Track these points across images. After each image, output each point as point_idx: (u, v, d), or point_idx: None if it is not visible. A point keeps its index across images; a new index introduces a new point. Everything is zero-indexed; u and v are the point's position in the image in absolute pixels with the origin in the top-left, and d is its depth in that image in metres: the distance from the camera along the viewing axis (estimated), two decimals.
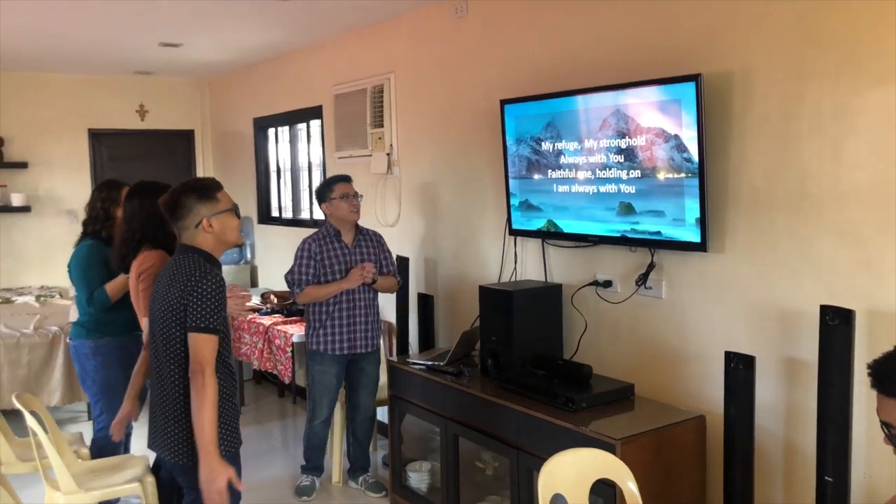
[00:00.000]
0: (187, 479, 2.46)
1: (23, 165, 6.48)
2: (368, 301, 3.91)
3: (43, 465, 3.02)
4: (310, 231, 5.61)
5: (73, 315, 4.80)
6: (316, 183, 5.80)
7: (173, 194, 2.50)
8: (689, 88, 2.71)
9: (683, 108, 2.75)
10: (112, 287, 3.52)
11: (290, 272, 3.84)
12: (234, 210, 2.57)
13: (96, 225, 3.62)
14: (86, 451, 3.44)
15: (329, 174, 5.38)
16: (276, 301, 5.27)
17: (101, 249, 3.58)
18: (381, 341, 4.15)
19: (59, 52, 5.63)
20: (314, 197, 3.98)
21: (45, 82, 6.61)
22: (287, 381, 4.78)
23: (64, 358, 4.57)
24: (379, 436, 4.65)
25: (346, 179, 3.94)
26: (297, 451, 4.58)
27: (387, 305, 4.71)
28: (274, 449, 4.76)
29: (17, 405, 2.92)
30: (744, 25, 2.66)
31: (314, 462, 4.06)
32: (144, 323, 3.04)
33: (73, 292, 4.87)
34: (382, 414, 4.79)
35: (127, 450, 3.71)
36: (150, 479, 3.07)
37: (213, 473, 2.26)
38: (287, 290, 5.26)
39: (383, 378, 4.67)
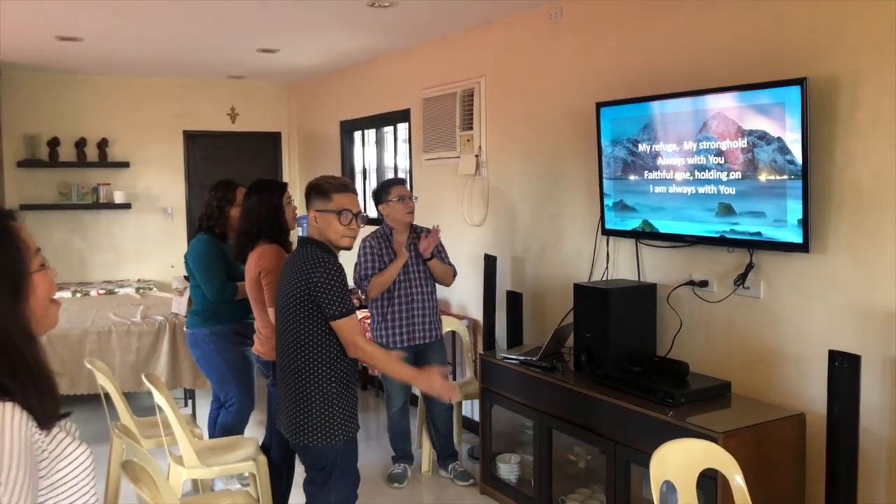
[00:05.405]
0: (308, 459, 2.63)
1: (125, 165, 6.88)
2: (426, 294, 4.06)
3: (167, 441, 3.25)
4: None
5: (175, 307, 5.10)
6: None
7: (307, 186, 2.72)
8: (794, 92, 2.75)
9: (788, 111, 2.79)
10: (244, 288, 3.63)
11: (356, 271, 3.99)
12: (356, 216, 2.68)
13: (210, 221, 3.82)
14: (199, 431, 3.67)
15: (416, 176, 5.56)
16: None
17: (216, 243, 3.79)
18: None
19: (161, 58, 5.96)
20: (371, 198, 4.16)
21: (146, 87, 6.99)
22: (374, 372, 4.95)
23: (168, 346, 4.83)
24: (464, 430, 4.77)
25: (401, 182, 4.13)
26: (383, 442, 4.75)
27: (473, 303, 4.84)
28: (360, 439, 4.93)
29: (148, 385, 3.15)
30: (852, 29, 2.69)
31: (402, 451, 4.23)
32: (271, 312, 3.23)
33: (176, 284, 5.16)
34: (468, 409, 4.92)
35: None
36: (262, 459, 3.28)
37: (427, 379, 2.65)
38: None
39: (468, 374, 4.81)
